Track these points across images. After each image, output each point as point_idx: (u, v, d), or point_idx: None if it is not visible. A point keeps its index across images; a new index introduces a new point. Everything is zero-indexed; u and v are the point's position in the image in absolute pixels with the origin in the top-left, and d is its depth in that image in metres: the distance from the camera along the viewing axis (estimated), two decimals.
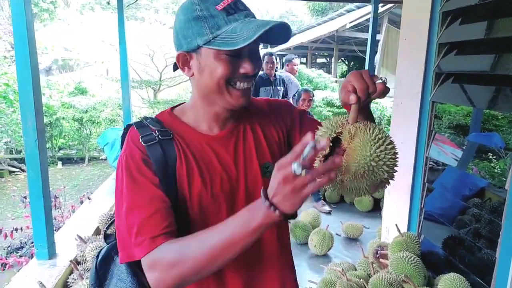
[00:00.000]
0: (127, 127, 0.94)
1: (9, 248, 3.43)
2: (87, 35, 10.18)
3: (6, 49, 6.24)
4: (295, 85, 5.35)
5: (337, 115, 0.86)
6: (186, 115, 0.96)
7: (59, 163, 7.60)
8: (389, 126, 6.72)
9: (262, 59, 4.78)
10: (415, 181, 2.22)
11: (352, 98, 0.77)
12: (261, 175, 0.96)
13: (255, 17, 0.87)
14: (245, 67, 0.84)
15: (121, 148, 0.93)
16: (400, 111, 2.31)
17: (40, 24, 18.60)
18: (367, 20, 9.10)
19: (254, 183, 0.95)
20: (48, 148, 7.57)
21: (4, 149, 7.12)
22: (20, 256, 3.16)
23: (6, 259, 3.05)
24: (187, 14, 0.84)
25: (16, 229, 3.26)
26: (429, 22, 1.94)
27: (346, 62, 20.28)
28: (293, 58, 5.69)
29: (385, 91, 0.80)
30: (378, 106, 6.79)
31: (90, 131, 7.59)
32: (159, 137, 0.89)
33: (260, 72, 5.42)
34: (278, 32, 0.85)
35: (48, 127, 7.04)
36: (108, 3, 4.58)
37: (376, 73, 5.62)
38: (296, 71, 5.74)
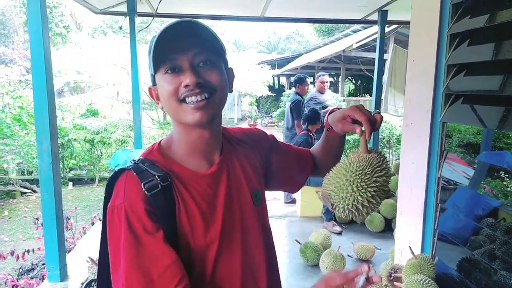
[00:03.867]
0: (120, 172, 0.86)
1: (20, 270, 3.44)
2: (98, 58, 10.42)
3: (21, 73, 6.41)
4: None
5: (350, 155, 0.90)
6: (173, 150, 0.92)
7: (70, 184, 7.67)
8: (399, 145, 6.68)
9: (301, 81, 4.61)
10: (427, 202, 2.19)
11: (358, 130, 0.89)
12: (253, 204, 0.97)
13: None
14: (184, 79, 0.82)
15: (107, 194, 0.86)
16: (410, 131, 2.31)
17: (53, 48, 19.14)
18: (374, 40, 9.19)
19: (247, 213, 0.95)
20: (60, 169, 7.65)
21: (16, 170, 7.22)
22: (31, 278, 3.16)
23: (17, 281, 3.05)
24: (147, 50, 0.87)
25: (28, 251, 3.27)
26: (437, 44, 1.96)
27: (353, 81, 20.39)
28: (320, 76, 5.43)
29: (381, 120, 0.90)
30: (387, 125, 6.78)
31: (101, 152, 7.68)
32: (161, 183, 0.83)
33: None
34: (209, 38, 0.85)
35: (60, 149, 7.14)
36: (121, 28, 4.73)
37: (384, 92, 5.64)
38: (325, 89, 5.44)
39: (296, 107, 5.10)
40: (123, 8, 4.26)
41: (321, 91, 5.38)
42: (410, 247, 2.05)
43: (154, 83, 0.90)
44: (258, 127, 18.61)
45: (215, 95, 0.86)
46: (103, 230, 0.86)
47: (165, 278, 0.76)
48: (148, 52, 0.86)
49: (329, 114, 1.04)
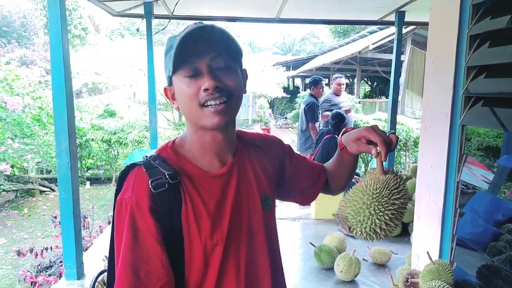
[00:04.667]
0: (131, 166, 0.89)
1: (39, 267, 3.52)
2: (116, 60, 10.59)
3: (41, 74, 6.59)
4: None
5: (366, 177, 0.91)
6: (185, 149, 0.94)
7: (87, 183, 7.81)
8: (416, 147, 6.58)
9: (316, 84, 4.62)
10: (446, 207, 2.15)
11: (374, 151, 0.89)
12: (262, 208, 0.97)
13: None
14: (203, 83, 0.83)
15: (118, 187, 0.88)
16: (429, 134, 2.26)
17: (72, 49, 19.54)
18: (390, 41, 9.08)
19: (255, 217, 0.96)
20: (77, 168, 7.78)
21: (35, 169, 7.39)
22: (49, 275, 3.22)
23: (36, 277, 3.11)
24: (164, 52, 0.90)
25: (46, 249, 3.34)
26: (457, 45, 1.92)
27: (369, 83, 20.18)
28: (337, 78, 5.35)
29: (397, 141, 0.92)
30: (404, 127, 6.68)
31: (117, 152, 7.79)
32: (169, 181, 0.84)
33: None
34: (226, 41, 0.86)
35: (78, 148, 7.28)
36: (138, 30, 4.81)
37: (401, 95, 5.56)
38: (341, 91, 5.39)
39: (311, 109, 5.06)
40: (140, 10, 4.32)
41: (336, 93, 5.34)
42: (428, 252, 2.02)
43: (170, 84, 0.92)
44: (272, 129, 18.60)
45: (233, 99, 0.88)
46: (113, 222, 0.88)
47: (150, 279, 0.79)
48: (165, 53, 0.88)
49: (343, 134, 1.04)
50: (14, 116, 5.18)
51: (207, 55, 0.84)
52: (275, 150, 1.10)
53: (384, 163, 0.90)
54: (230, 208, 0.89)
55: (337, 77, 5.35)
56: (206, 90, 0.83)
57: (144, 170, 0.85)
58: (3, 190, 6.18)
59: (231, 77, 0.88)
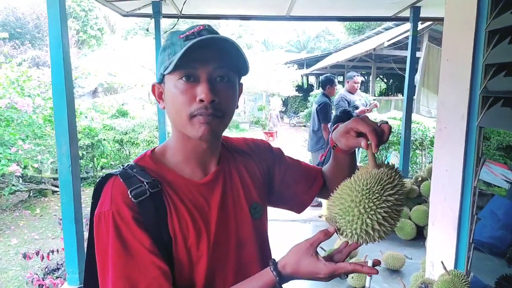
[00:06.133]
0: (106, 177, 0.83)
1: (46, 269, 3.54)
2: (129, 60, 10.68)
3: None
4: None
5: (357, 171, 0.82)
6: (167, 157, 0.89)
7: None
8: (432, 146, 6.40)
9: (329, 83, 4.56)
10: (462, 213, 2.03)
11: (363, 143, 0.79)
12: (251, 217, 0.92)
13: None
14: (200, 93, 0.78)
15: (95, 200, 0.83)
16: (444, 136, 2.15)
17: (88, 49, 19.83)
18: (406, 37, 8.86)
19: (244, 226, 0.91)
20: (90, 167, 7.88)
21: (50, 169, 7.48)
22: (56, 278, 3.24)
23: (43, 280, 3.12)
24: (161, 47, 0.85)
25: (52, 251, 3.35)
26: (474, 41, 1.81)
27: (385, 80, 19.87)
28: (354, 76, 5.20)
29: (390, 129, 0.82)
30: (420, 126, 6.50)
31: (129, 152, 7.84)
32: (150, 190, 0.79)
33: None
34: (234, 54, 0.81)
35: (90, 148, 7.34)
36: (147, 30, 4.81)
37: (416, 92, 5.39)
38: (357, 89, 5.27)
39: (323, 110, 4.94)
40: (149, 10, 4.28)
41: (352, 91, 5.18)
42: (442, 262, 1.90)
43: (161, 81, 0.86)
44: (285, 127, 18.50)
45: (225, 116, 0.84)
46: (89, 237, 0.84)
47: None
48: (164, 48, 0.83)
49: (333, 131, 0.95)
50: (25, 117, 5.24)
51: (210, 63, 0.79)
52: (263, 155, 1.04)
53: (378, 157, 0.81)
54: (216, 218, 0.85)
55: (354, 75, 5.19)
56: (201, 101, 0.79)
57: (121, 180, 0.80)
58: (17, 190, 6.28)
59: (229, 93, 0.83)
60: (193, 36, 0.79)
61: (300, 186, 1.08)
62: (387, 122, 0.82)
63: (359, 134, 0.83)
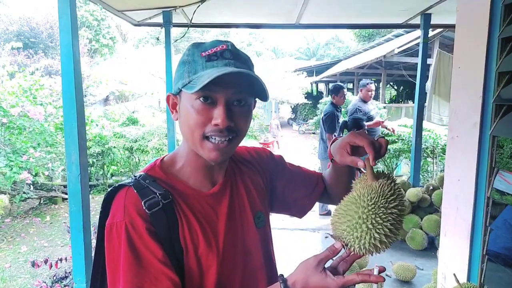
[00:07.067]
0: (118, 187, 0.83)
1: (54, 278, 3.55)
2: (140, 68, 10.80)
3: None
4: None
5: (357, 184, 0.82)
6: (177, 168, 0.89)
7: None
8: (444, 154, 6.30)
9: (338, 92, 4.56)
10: (475, 224, 1.98)
11: (360, 163, 0.81)
12: (255, 226, 0.94)
13: (239, 67, 0.81)
14: (216, 117, 0.79)
15: (104, 210, 0.83)
16: (456, 145, 2.11)
17: (101, 58, 20.12)
18: (417, 44, 8.81)
19: (249, 235, 0.92)
20: (101, 174, 7.94)
21: (61, 176, 7.55)
22: (64, 286, 3.24)
23: None
24: (181, 58, 0.85)
25: (61, 259, 3.36)
26: (486, 49, 1.77)
27: (395, 87, 19.73)
28: (367, 84, 5.06)
29: (387, 143, 0.83)
30: (431, 134, 6.41)
31: (138, 159, 7.88)
32: (162, 201, 0.79)
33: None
34: (256, 84, 0.82)
35: (101, 156, 7.40)
36: (158, 39, 4.87)
37: (427, 100, 5.33)
38: (371, 97, 5.13)
39: (328, 119, 4.86)
40: (160, 19, 4.33)
41: (365, 99, 5.00)
42: (455, 274, 1.85)
43: (177, 93, 0.86)
44: (294, 134, 18.44)
45: (237, 138, 0.85)
46: (97, 247, 0.85)
47: None
48: (184, 61, 0.83)
49: (331, 143, 0.96)
50: (37, 125, 5.31)
51: (230, 88, 0.80)
52: (265, 164, 1.07)
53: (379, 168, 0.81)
54: (224, 228, 0.86)
55: (367, 83, 5.05)
56: (216, 125, 0.79)
57: (135, 191, 0.79)
58: (28, 198, 6.35)
59: (245, 116, 0.85)
60: (215, 57, 0.80)
61: (301, 192, 1.09)
62: (383, 137, 0.84)
63: (354, 149, 0.85)
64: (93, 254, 2.57)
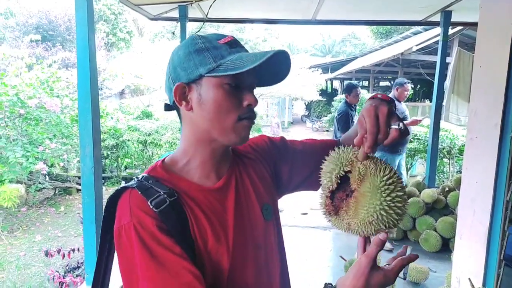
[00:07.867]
0: (121, 190, 0.81)
1: (67, 267, 3.60)
2: (155, 62, 10.85)
3: None
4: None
5: (346, 148, 0.80)
6: (179, 167, 0.87)
7: (123, 182, 8.00)
8: (461, 155, 6.17)
9: (351, 91, 4.47)
10: (492, 228, 1.93)
11: (357, 138, 0.76)
12: (263, 218, 0.92)
13: None
14: (249, 99, 0.83)
15: (107, 213, 0.82)
16: (475, 146, 2.05)
17: (117, 52, 20.30)
18: (436, 42, 8.62)
19: (258, 227, 0.90)
20: (115, 166, 8.03)
21: (77, 167, 7.67)
22: (76, 276, 3.29)
23: (64, 277, 3.18)
24: (187, 48, 0.83)
25: (74, 250, 3.41)
26: (510, 48, 1.71)
27: (412, 86, 19.40)
28: (404, 83, 4.76)
29: (399, 138, 0.75)
30: (448, 134, 6.28)
31: (152, 153, 7.94)
32: (168, 198, 0.78)
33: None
34: (279, 65, 0.86)
35: (115, 148, 7.48)
36: (173, 33, 4.87)
37: (445, 99, 5.21)
38: (405, 97, 4.86)
39: (342, 119, 4.71)
40: (176, 14, 4.32)
41: (400, 99, 4.71)
42: (470, 279, 1.81)
43: (191, 82, 0.82)
44: (308, 131, 18.33)
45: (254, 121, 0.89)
46: (101, 246, 0.88)
47: None
48: (199, 49, 0.81)
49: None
50: (53, 117, 5.39)
51: (253, 75, 0.85)
52: (266, 152, 1.04)
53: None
54: (233, 222, 0.85)
55: (404, 82, 4.74)
56: (249, 105, 0.83)
57: (139, 192, 0.78)
58: (43, 188, 6.46)
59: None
60: (234, 44, 0.83)
61: (310, 166, 1.03)
62: (401, 129, 0.75)
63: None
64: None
